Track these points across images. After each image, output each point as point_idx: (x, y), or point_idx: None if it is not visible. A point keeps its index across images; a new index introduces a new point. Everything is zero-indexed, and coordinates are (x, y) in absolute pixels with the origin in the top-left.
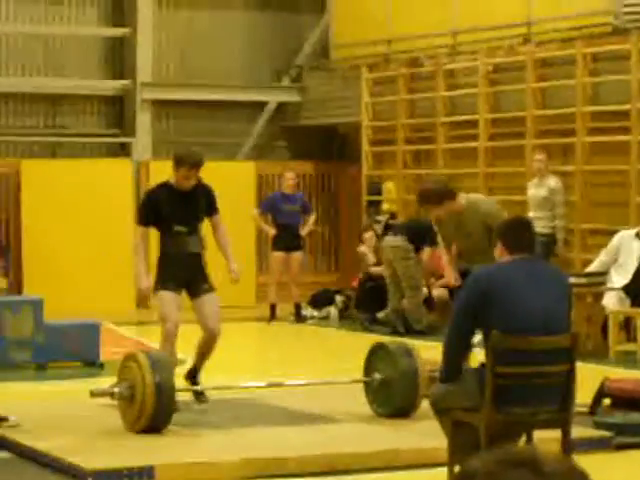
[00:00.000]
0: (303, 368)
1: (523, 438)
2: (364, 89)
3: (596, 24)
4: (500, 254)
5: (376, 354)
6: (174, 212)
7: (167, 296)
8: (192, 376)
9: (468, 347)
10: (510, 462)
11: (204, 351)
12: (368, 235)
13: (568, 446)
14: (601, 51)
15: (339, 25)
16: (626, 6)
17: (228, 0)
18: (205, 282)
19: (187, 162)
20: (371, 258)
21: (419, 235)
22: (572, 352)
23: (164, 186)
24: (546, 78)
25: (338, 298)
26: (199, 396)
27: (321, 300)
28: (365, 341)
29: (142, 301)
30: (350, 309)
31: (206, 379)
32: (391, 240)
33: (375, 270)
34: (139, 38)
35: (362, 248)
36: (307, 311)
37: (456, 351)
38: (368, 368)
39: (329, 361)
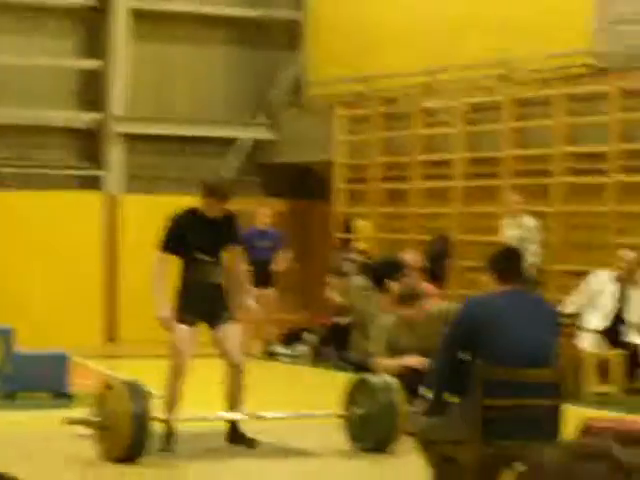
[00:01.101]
0: (278, 404)
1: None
2: (338, 127)
3: (575, 65)
4: (489, 284)
5: (356, 388)
6: (199, 239)
7: (182, 330)
8: (235, 430)
9: (457, 379)
10: (586, 455)
11: (232, 390)
12: (332, 281)
13: None
14: (579, 92)
15: (315, 62)
16: (605, 47)
17: (205, 36)
18: (226, 311)
19: (217, 194)
20: (337, 301)
21: (385, 269)
22: (559, 386)
23: (191, 212)
24: (523, 118)
25: (309, 336)
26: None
27: (292, 338)
28: (338, 378)
29: (166, 329)
30: (322, 347)
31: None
32: (355, 281)
33: (341, 320)
34: (113, 71)
35: (330, 293)
36: (278, 348)
37: (445, 383)
38: (348, 402)
39: (304, 397)
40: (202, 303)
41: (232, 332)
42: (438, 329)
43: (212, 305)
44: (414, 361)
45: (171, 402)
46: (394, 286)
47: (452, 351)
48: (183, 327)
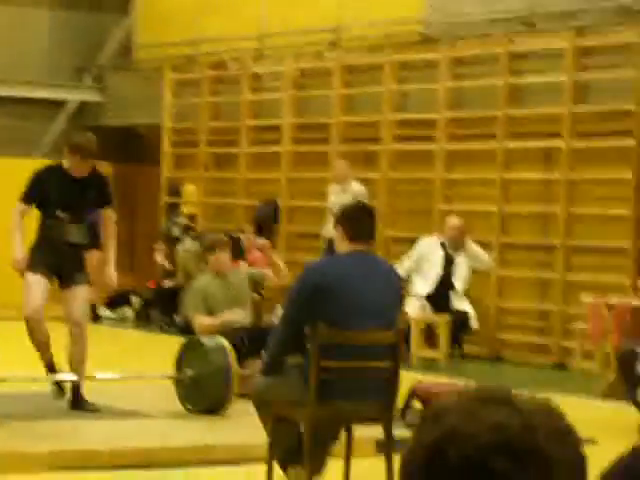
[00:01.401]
0: (105, 366)
1: (343, 434)
2: (166, 90)
3: (405, 32)
4: (340, 241)
5: (188, 350)
6: (61, 196)
7: (30, 278)
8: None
9: (298, 341)
10: (487, 399)
11: (73, 351)
12: (159, 246)
13: (389, 441)
14: (409, 59)
15: (143, 25)
16: (435, 15)
17: None
18: (80, 272)
19: (80, 151)
20: (166, 266)
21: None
22: (397, 348)
23: (56, 168)
24: (353, 85)
25: (134, 299)
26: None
27: (117, 301)
28: (164, 341)
29: (19, 272)
30: (147, 310)
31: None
32: (186, 245)
33: (168, 283)
34: None
35: (158, 258)
36: (103, 311)
37: (284, 344)
38: (179, 364)
39: (131, 359)
40: (56, 260)
41: (80, 294)
42: (246, 284)
43: (66, 264)
44: (233, 315)
45: (37, 346)
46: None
47: (295, 313)
48: (31, 275)
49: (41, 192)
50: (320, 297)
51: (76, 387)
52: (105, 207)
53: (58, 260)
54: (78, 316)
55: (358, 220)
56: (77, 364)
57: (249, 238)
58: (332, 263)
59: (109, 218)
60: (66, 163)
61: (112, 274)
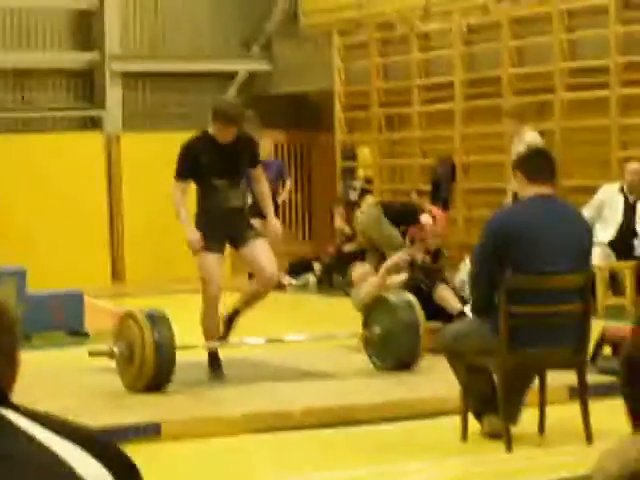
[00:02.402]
0: (293, 331)
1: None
2: (335, 55)
3: None
4: (521, 186)
5: (376, 308)
6: (214, 164)
7: (209, 258)
8: (230, 320)
9: (494, 286)
10: None
11: (253, 298)
12: (339, 211)
13: (583, 387)
14: (577, 7)
15: None
16: None
17: None
18: (250, 230)
19: (222, 118)
20: (346, 230)
21: (403, 214)
22: (586, 291)
23: (203, 137)
24: (521, 36)
25: (316, 266)
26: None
27: (298, 268)
28: (347, 305)
29: (195, 253)
30: (329, 275)
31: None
32: (365, 208)
33: (348, 247)
34: (106, 10)
35: (338, 222)
36: (285, 279)
37: (484, 289)
38: (367, 322)
39: (317, 323)
40: (224, 228)
41: (262, 246)
42: None
43: (234, 228)
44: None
45: (211, 330)
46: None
47: (485, 262)
48: (209, 254)
49: (193, 164)
50: (507, 243)
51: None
52: (255, 167)
53: (226, 227)
54: (272, 269)
55: (534, 161)
56: (246, 308)
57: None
58: (516, 209)
59: (260, 175)
60: (212, 130)
61: (275, 223)
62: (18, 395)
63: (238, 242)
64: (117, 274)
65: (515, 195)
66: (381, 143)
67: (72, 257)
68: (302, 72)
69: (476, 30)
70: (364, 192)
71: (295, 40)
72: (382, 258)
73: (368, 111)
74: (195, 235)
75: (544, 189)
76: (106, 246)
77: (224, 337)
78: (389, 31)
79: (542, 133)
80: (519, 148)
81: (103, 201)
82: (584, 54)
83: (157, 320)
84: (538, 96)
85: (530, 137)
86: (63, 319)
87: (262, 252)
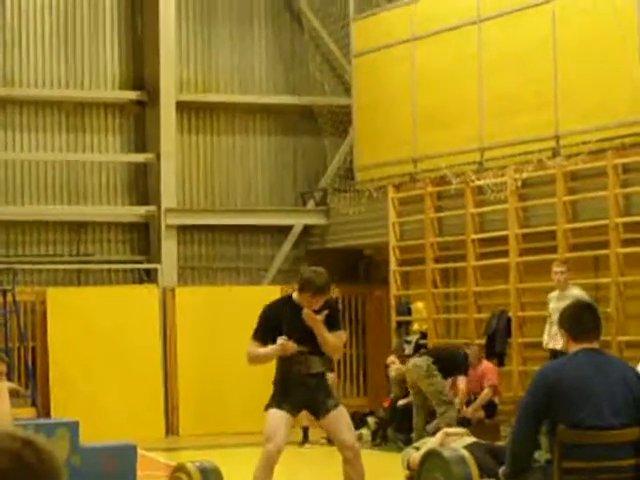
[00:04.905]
0: None
1: None
2: (391, 209)
3: (625, 135)
4: (566, 344)
5: (429, 462)
6: (294, 330)
7: (276, 415)
8: None
9: (535, 445)
10: None
11: (352, 475)
12: (392, 360)
13: None
14: (631, 162)
15: (363, 146)
16: None
17: (250, 125)
18: (330, 398)
19: (312, 289)
20: (399, 381)
21: (453, 364)
22: None
23: (286, 302)
24: (576, 191)
25: (370, 420)
26: None
27: (353, 422)
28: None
29: (290, 348)
30: (384, 429)
31: None
32: (414, 360)
33: (402, 401)
34: (162, 164)
35: (392, 373)
36: None
37: (523, 449)
38: (421, 477)
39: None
40: (302, 395)
41: (341, 417)
42: None
43: (314, 397)
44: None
45: None
46: (462, 382)
47: (530, 419)
48: (277, 412)
49: (273, 328)
50: (555, 398)
51: None
52: (333, 331)
53: (305, 394)
54: (350, 439)
55: (579, 318)
56: None
57: (475, 353)
58: (562, 363)
59: (338, 337)
60: (296, 296)
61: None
62: None
63: (319, 412)
64: (171, 428)
65: (552, 352)
66: (436, 297)
67: (126, 410)
68: (357, 226)
69: (530, 184)
70: (419, 346)
71: (350, 194)
72: (430, 416)
73: (423, 265)
74: (279, 341)
75: (588, 343)
76: (160, 399)
77: None
78: (444, 185)
79: (597, 287)
80: (557, 304)
81: (158, 354)
82: (639, 209)
83: (209, 473)
84: (592, 251)
85: (577, 292)
86: (116, 471)
87: (343, 424)
